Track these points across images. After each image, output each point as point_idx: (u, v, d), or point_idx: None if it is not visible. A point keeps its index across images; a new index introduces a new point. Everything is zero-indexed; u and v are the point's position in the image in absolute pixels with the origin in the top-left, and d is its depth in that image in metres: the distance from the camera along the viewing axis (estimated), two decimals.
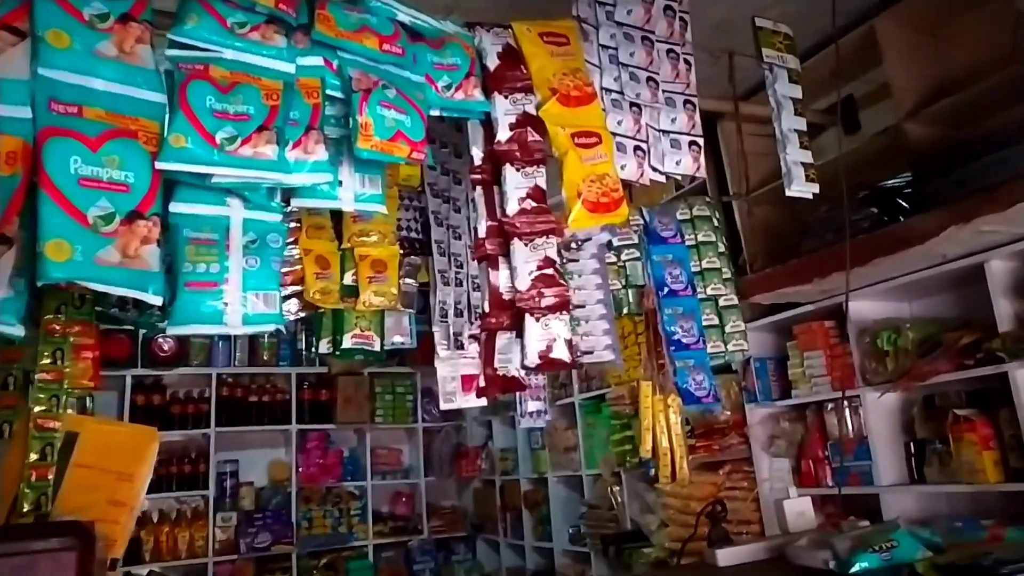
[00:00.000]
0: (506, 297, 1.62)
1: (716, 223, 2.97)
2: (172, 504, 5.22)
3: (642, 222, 2.82)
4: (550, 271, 1.59)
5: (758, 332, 3.21)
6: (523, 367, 1.57)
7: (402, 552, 5.68)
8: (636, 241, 2.81)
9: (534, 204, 1.62)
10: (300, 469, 5.46)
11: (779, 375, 3.28)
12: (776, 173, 3.24)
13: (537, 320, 1.57)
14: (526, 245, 1.59)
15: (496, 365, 1.61)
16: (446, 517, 5.90)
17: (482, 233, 1.67)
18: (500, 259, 1.64)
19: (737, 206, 3.25)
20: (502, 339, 1.62)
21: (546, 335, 1.56)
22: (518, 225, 1.60)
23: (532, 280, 1.58)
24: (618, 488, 4.10)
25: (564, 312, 1.59)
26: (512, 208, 1.61)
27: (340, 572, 5.36)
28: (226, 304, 1.33)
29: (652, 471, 3.58)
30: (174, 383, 5.36)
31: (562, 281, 1.60)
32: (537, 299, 1.57)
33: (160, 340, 5.12)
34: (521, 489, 5.21)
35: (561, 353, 1.57)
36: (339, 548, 5.43)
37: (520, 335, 1.58)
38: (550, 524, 4.84)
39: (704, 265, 2.87)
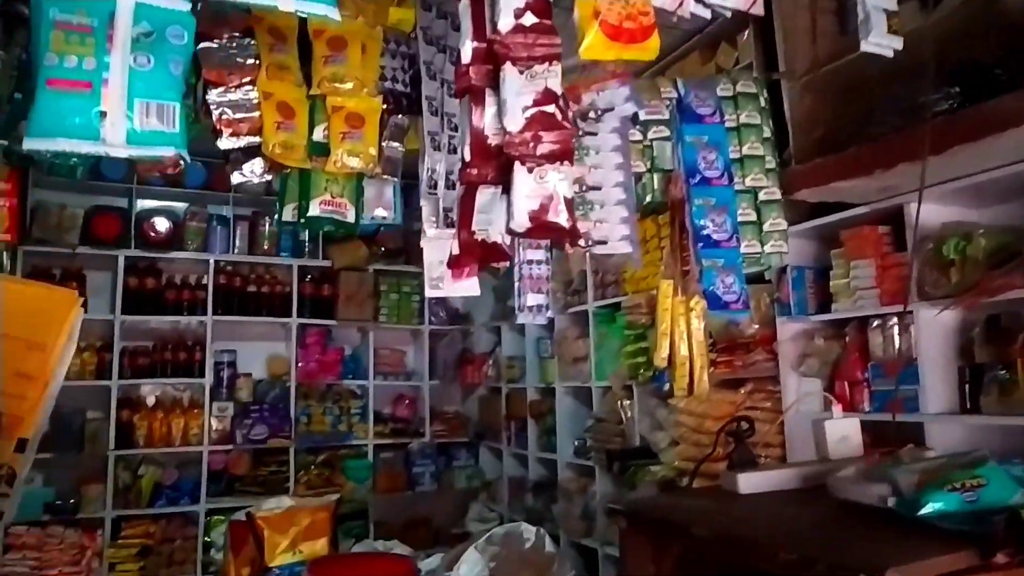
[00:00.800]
0: (492, 142, 1.26)
1: (763, 104, 2.54)
2: (168, 391, 5.07)
3: (675, 96, 2.40)
4: (551, 108, 1.21)
5: (798, 238, 2.81)
6: (508, 231, 1.22)
7: (402, 454, 5.53)
8: (667, 118, 2.39)
9: (535, 19, 1.22)
10: (300, 364, 5.25)
11: (818, 287, 2.90)
12: (838, 54, 2.79)
13: (530, 171, 1.20)
14: (521, 73, 1.21)
15: (474, 227, 1.26)
16: (449, 422, 5.72)
17: (466, 58, 1.28)
18: (487, 92, 1.26)
19: (787, 90, 2.79)
20: (484, 195, 1.26)
21: (540, 191, 1.20)
22: (511, 46, 1.21)
23: (527, 119, 1.20)
24: (628, 402, 3.82)
25: (566, 163, 1.22)
26: (506, 23, 1.21)
27: (337, 470, 5.23)
28: (103, 114, 0.98)
29: (667, 385, 3.29)
30: (169, 268, 5.11)
31: (565, 123, 1.22)
32: (532, 144, 1.20)
33: (153, 221, 4.83)
34: (528, 398, 4.97)
35: (558, 216, 1.21)
36: (337, 446, 5.29)
37: (507, 191, 1.22)
38: (555, 435, 4.61)
39: (745, 151, 2.47)
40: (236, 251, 5.21)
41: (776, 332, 2.98)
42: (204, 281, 5.12)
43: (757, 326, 3.08)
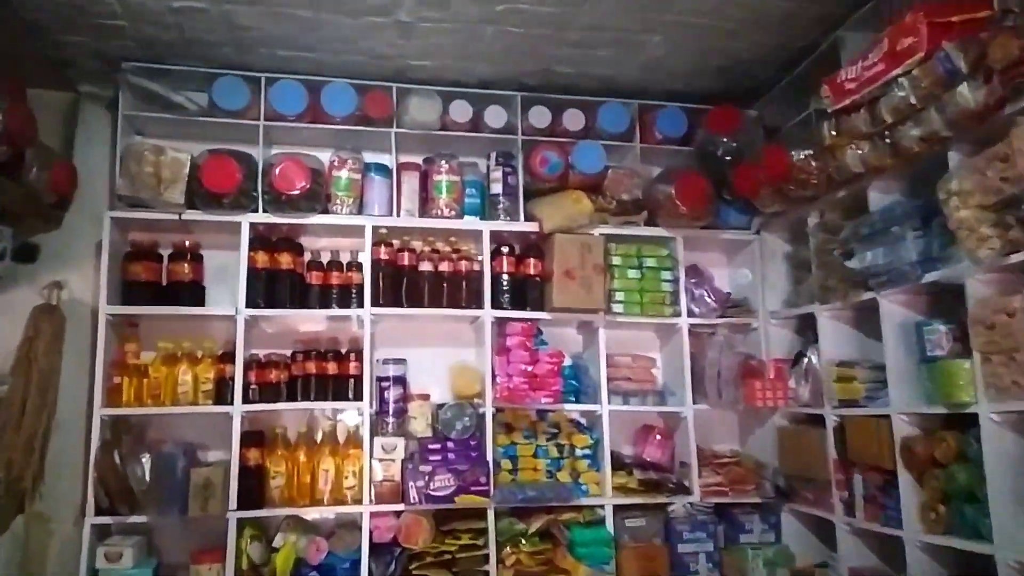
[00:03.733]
0: None
1: None
2: (314, 420, 3.47)
3: None
4: None
5: None
6: None
7: (658, 520, 3.52)
8: None
9: None
10: (498, 379, 3.45)
11: None
12: None
13: None
14: None
15: None
16: (729, 471, 3.63)
17: None
18: None
19: None
20: None
21: None
22: None
23: None
24: None
25: None
26: None
27: (560, 544, 3.33)
28: None
29: None
30: (308, 239, 3.55)
31: None
32: None
33: (286, 165, 3.27)
34: (894, 433, 2.78)
35: None
36: (559, 506, 3.40)
37: None
38: (976, 503, 2.39)
39: None
40: (404, 212, 3.54)
41: None
42: (358, 258, 3.50)
43: None
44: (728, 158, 3.50)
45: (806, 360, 3.40)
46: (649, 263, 3.67)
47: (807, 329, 3.65)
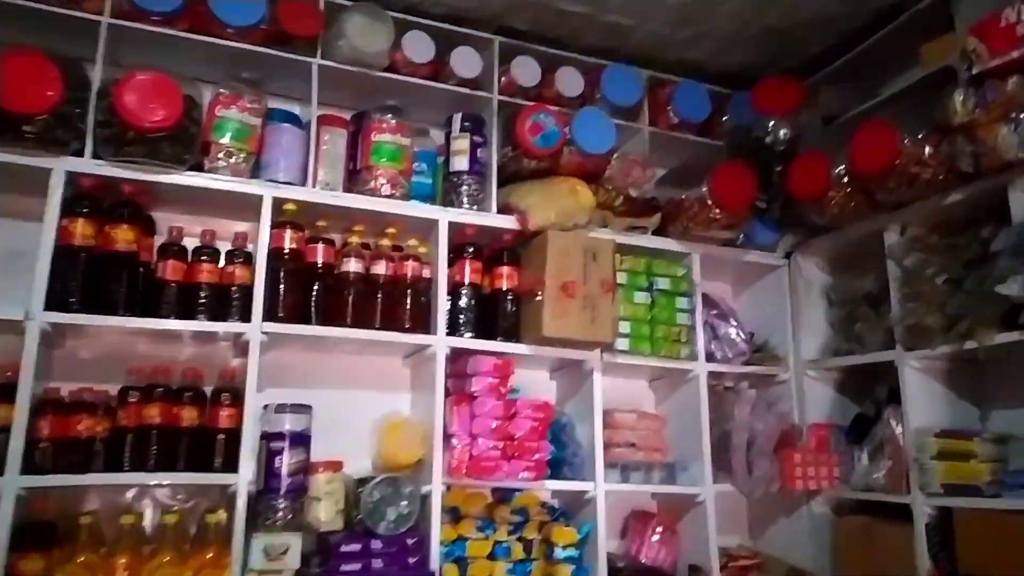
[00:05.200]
0: None
1: None
2: (151, 502, 2.14)
3: None
4: None
5: None
6: None
7: None
8: None
9: None
10: (455, 442, 2.27)
11: None
12: None
13: None
14: None
15: None
16: None
17: None
18: None
19: None
20: None
21: None
22: None
23: None
24: None
25: None
26: None
27: None
28: None
29: None
30: (166, 211, 2.28)
31: None
32: None
33: (139, 81, 1.99)
34: None
35: None
36: None
37: None
38: None
39: None
40: (320, 184, 2.34)
41: None
42: (247, 245, 2.26)
43: None
44: (781, 148, 2.59)
45: (881, 427, 2.48)
46: (661, 285, 2.67)
47: (860, 386, 2.77)
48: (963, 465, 2.19)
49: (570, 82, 2.65)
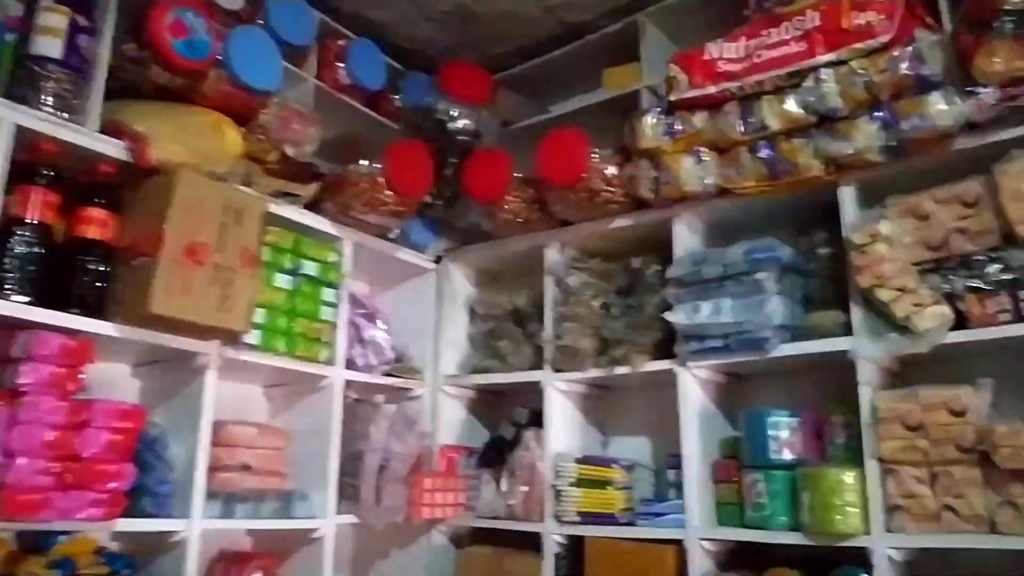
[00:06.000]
0: None
1: None
2: None
3: None
4: None
5: None
6: None
7: None
8: None
9: None
10: None
11: None
12: None
13: None
14: None
15: None
16: None
17: None
18: None
19: None
20: None
21: None
22: None
23: None
24: None
25: None
26: None
27: None
28: None
29: None
30: None
31: None
32: None
33: None
34: (691, 571, 1.93)
35: None
36: None
37: None
38: None
39: None
40: None
41: None
42: None
43: None
44: (462, 140, 2.33)
45: (520, 451, 2.34)
46: (308, 270, 2.17)
47: (495, 407, 2.65)
48: (601, 493, 2.15)
49: None
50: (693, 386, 2.05)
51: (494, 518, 2.37)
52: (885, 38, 1.68)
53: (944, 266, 1.71)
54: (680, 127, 2.00)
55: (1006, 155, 1.61)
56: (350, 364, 2.29)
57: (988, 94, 1.62)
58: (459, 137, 2.33)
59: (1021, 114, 1.61)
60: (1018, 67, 1.59)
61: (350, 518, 2.23)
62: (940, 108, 1.64)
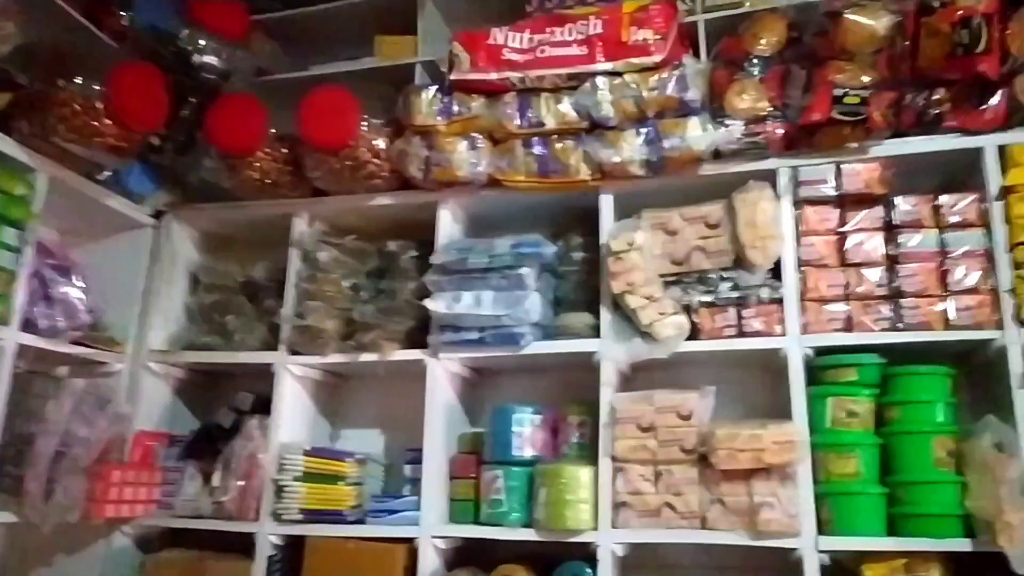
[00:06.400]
0: None
1: None
2: None
3: None
4: None
5: None
6: None
7: None
8: None
9: None
10: None
11: None
12: None
13: None
14: None
15: None
16: None
17: None
18: None
19: None
20: None
21: None
22: None
23: None
24: None
25: None
26: None
27: None
28: None
29: None
30: None
31: None
32: None
33: None
34: (420, 570, 1.84)
35: None
36: None
37: None
38: None
39: None
40: None
41: None
42: None
43: None
44: (207, 77, 2.01)
45: (240, 441, 2.06)
46: None
47: (210, 391, 2.34)
48: (330, 488, 1.97)
49: None
50: (442, 379, 1.97)
51: (197, 517, 2.06)
52: (658, 57, 1.77)
53: (684, 280, 1.84)
54: (457, 109, 1.93)
55: (745, 185, 1.78)
56: (28, 325, 1.84)
57: (735, 127, 1.78)
58: (204, 74, 2.01)
59: (760, 150, 1.79)
60: (761, 107, 1.77)
61: (6, 516, 1.78)
62: (696, 133, 1.77)
